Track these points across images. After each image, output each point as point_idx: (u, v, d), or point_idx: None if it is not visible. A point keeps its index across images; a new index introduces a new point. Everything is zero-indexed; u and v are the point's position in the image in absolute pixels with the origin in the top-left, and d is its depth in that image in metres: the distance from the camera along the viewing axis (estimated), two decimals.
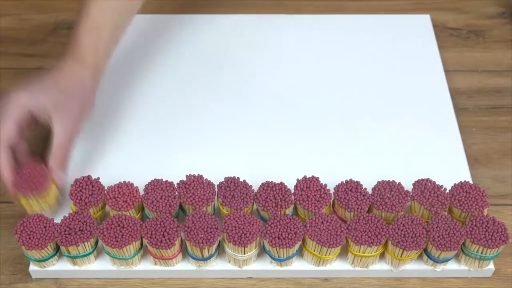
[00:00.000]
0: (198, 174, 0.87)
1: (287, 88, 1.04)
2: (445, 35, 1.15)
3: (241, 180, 0.86)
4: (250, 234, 0.81)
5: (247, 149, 0.96)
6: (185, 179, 0.87)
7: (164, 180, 0.86)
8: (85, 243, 0.82)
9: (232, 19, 1.14)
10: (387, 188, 0.86)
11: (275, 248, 0.82)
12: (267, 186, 0.86)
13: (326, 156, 0.95)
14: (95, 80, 0.90)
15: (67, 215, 0.84)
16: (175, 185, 0.86)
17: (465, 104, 1.05)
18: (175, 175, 0.88)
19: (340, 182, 0.86)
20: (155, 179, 0.87)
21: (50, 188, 0.85)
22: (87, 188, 0.86)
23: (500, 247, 0.82)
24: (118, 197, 0.85)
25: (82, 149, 0.96)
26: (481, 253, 0.83)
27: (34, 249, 0.81)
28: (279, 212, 0.84)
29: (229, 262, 0.86)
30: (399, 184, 0.86)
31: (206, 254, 0.83)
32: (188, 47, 1.09)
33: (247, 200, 0.85)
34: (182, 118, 1.00)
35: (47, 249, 0.82)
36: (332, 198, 0.86)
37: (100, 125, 0.99)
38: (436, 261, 0.84)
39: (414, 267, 0.86)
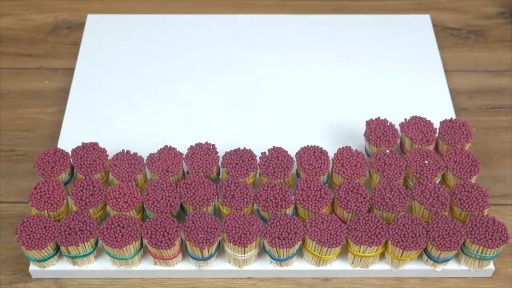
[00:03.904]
0: (199, 174, 0.87)
1: (287, 88, 1.04)
2: (445, 35, 1.15)
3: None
4: (250, 234, 0.81)
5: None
6: (185, 179, 0.87)
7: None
8: (85, 243, 0.82)
9: (232, 19, 1.14)
10: (387, 188, 0.86)
11: (275, 248, 0.82)
12: (267, 186, 0.86)
13: None
14: None
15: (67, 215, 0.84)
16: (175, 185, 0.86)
17: (465, 104, 1.05)
18: None
19: (341, 183, 0.86)
20: (155, 179, 0.87)
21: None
22: (87, 188, 0.86)
23: (500, 247, 0.82)
24: (118, 197, 0.85)
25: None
26: (481, 253, 0.83)
27: (34, 249, 0.81)
28: (279, 212, 0.84)
29: (229, 262, 0.86)
30: (399, 184, 0.86)
31: (206, 254, 0.83)
32: (188, 47, 1.09)
33: (247, 200, 0.85)
34: (183, 118, 1.00)
35: (47, 249, 0.82)
36: (333, 196, 0.87)
37: (101, 124, 0.99)
38: (436, 261, 0.84)
39: (414, 267, 0.86)
